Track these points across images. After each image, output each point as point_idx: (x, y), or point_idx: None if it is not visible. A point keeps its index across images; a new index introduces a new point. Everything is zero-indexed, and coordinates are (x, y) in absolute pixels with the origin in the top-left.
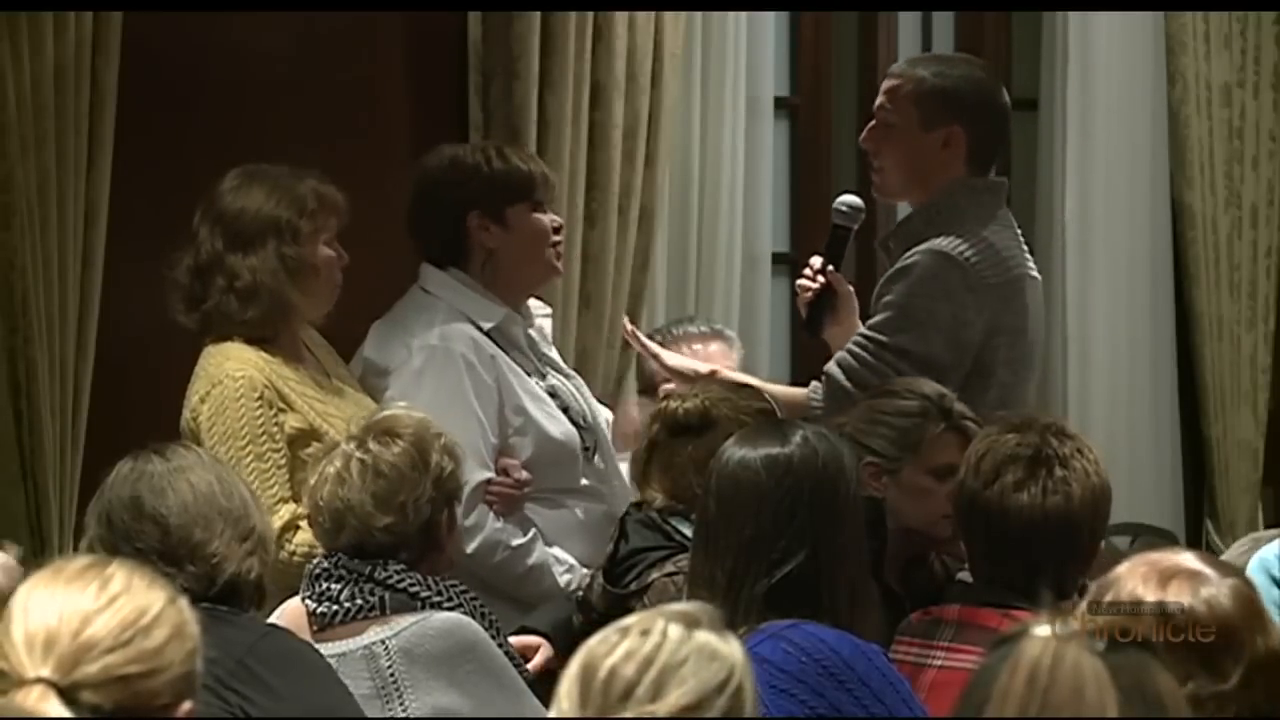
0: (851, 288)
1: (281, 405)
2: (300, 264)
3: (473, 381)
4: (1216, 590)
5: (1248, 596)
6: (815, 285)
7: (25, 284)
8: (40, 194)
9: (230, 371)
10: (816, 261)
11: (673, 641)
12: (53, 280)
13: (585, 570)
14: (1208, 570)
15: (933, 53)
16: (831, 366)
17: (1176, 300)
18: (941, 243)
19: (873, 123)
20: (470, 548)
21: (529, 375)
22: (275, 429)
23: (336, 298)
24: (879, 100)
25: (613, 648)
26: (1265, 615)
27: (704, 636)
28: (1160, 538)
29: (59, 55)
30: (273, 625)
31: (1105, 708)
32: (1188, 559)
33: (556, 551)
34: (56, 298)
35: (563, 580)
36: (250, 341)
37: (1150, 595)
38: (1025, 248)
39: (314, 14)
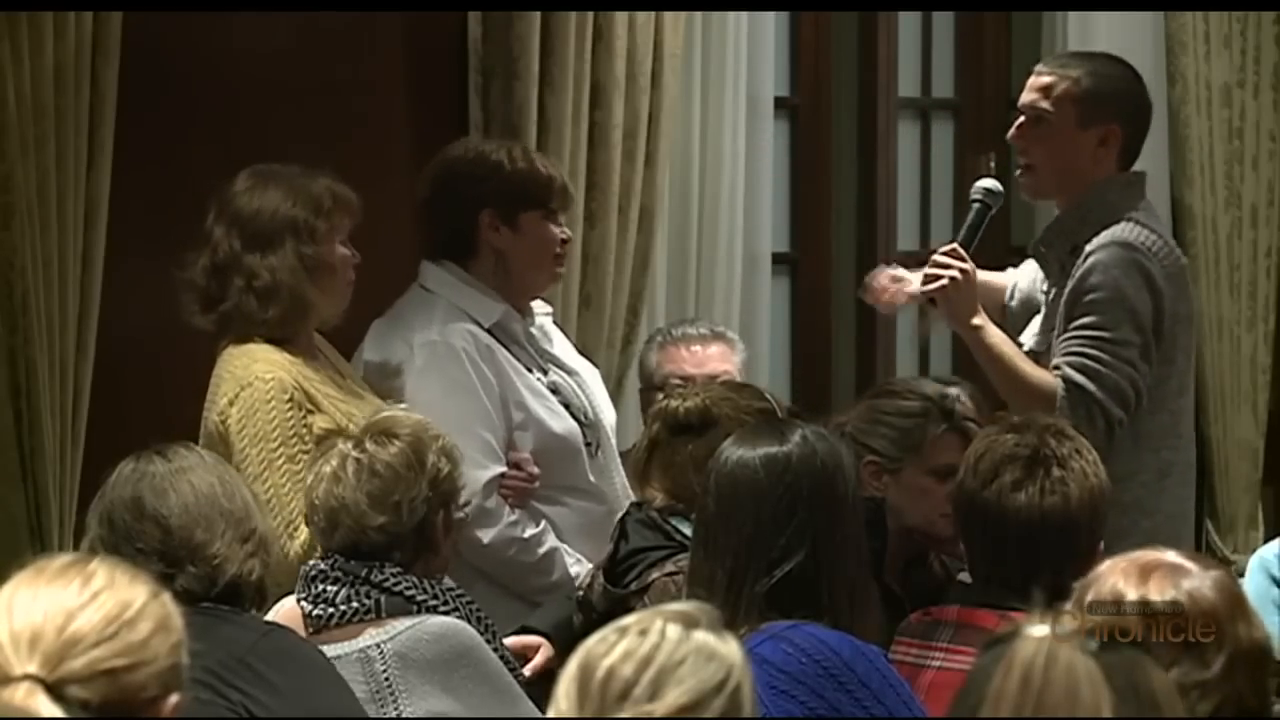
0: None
1: (309, 406)
2: (318, 263)
3: (476, 375)
4: (1199, 582)
5: (1229, 587)
6: (956, 264)
7: (25, 284)
8: (40, 194)
9: (259, 373)
10: (947, 247)
11: (670, 641)
12: (53, 280)
13: (591, 565)
14: (1189, 564)
15: (1071, 51)
16: (1070, 374)
17: None
18: (1122, 233)
19: (1021, 119)
20: (486, 539)
21: (530, 370)
22: (305, 430)
23: (350, 296)
24: (1028, 98)
25: (611, 647)
26: (1247, 605)
27: (702, 636)
28: None
29: (59, 55)
30: (274, 624)
31: (1099, 707)
32: (1169, 555)
33: (564, 547)
34: (56, 298)
35: (573, 571)
36: (270, 342)
37: (1132, 591)
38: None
39: (314, 14)
